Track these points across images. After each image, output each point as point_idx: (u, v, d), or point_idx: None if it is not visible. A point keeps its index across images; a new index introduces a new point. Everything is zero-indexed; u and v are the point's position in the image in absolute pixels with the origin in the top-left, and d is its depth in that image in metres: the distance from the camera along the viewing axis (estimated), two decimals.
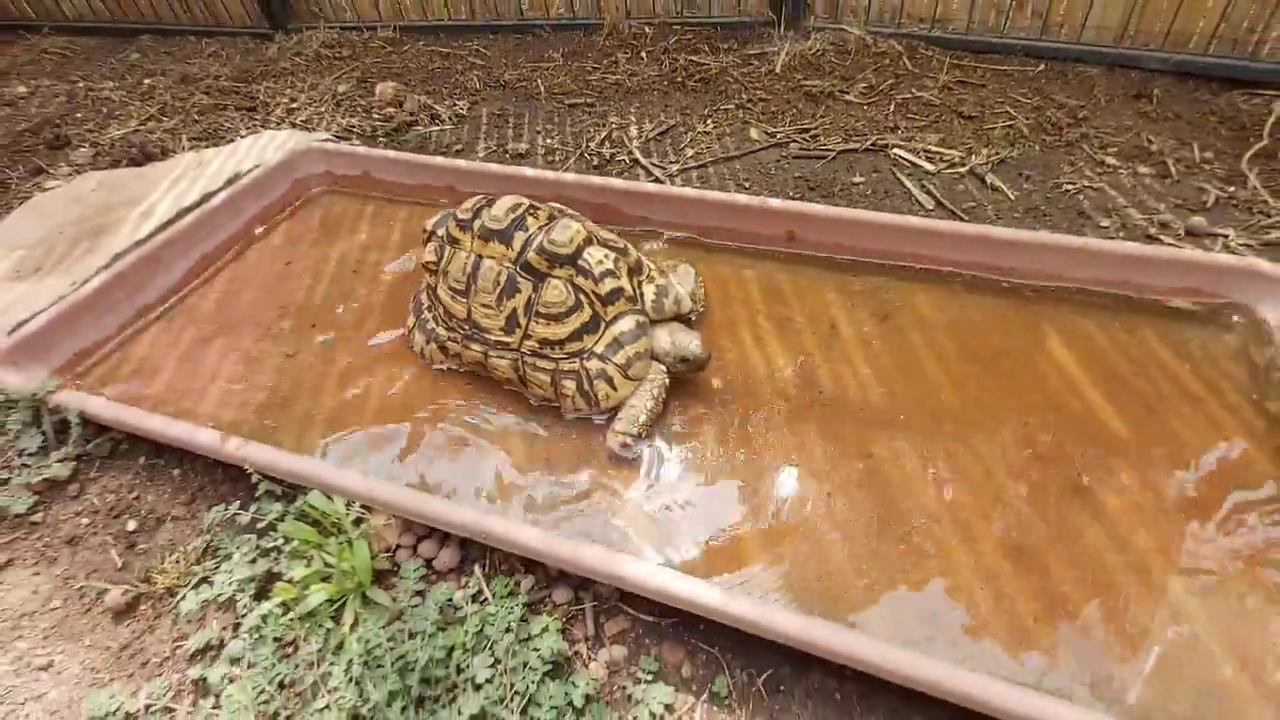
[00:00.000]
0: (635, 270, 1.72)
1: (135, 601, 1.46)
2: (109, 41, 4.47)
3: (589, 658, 1.30)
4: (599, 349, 1.62)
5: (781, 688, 1.24)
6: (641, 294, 1.71)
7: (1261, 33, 2.54)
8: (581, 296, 1.60)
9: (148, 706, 1.28)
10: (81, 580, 1.50)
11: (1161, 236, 2.03)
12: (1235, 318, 1.73)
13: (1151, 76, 2.72)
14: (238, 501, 1.56)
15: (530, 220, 1.64)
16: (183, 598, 1.40)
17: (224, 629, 1.37)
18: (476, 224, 1.67)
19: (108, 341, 2.02)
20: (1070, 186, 2.26)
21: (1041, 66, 2.87)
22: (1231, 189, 2.18)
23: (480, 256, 1.65)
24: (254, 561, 1.44)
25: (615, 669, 1.29)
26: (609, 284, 1.61)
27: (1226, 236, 2.00)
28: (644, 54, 3.40)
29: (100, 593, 1.47)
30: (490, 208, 1.66)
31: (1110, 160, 2.35)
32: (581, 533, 1.43)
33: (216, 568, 1.45)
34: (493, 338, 1.66)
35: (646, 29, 3.54)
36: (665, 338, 1.68)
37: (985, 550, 1.35)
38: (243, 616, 1.37)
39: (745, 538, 1.40)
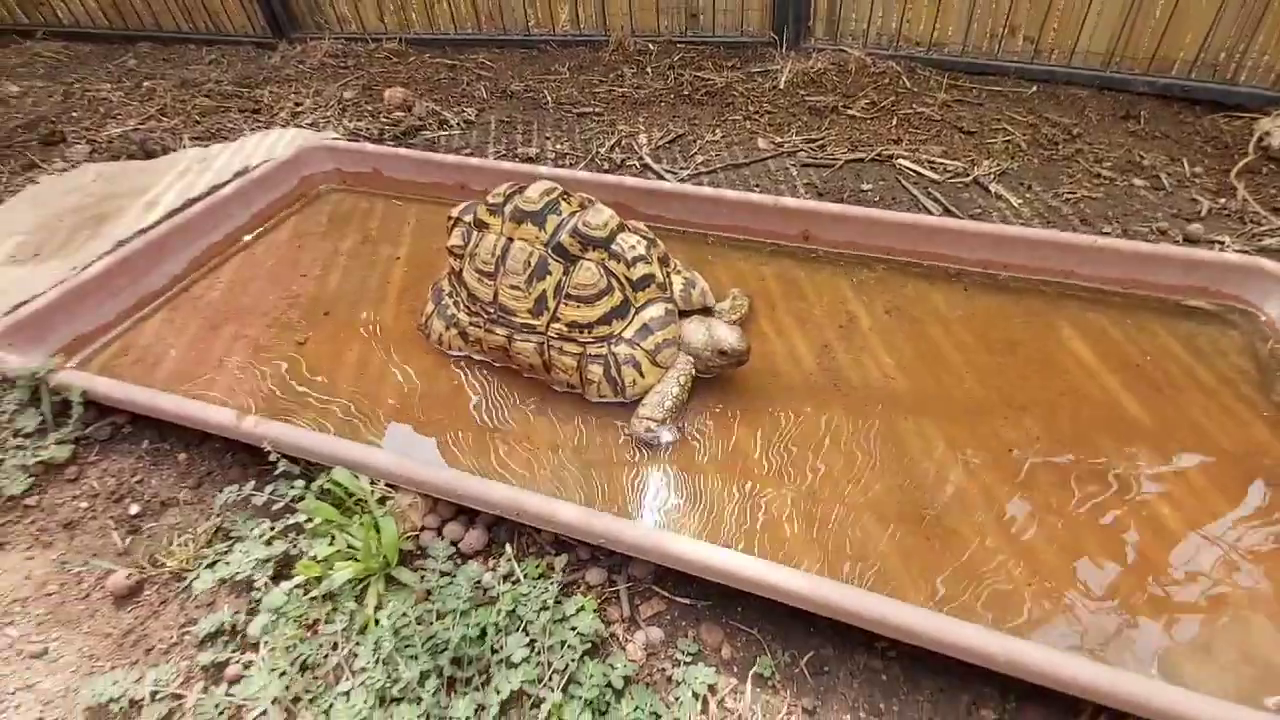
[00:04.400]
0: (663, 262, 1.72)
1: (139, 585, 1.38)
2: (105, 47, 4.44)
3: (625, 640, 1.26)
4: (628, 334, 1.61)
5: (825, 669, 1.21)
6: (670, 283, 1.71)
7: (1240, 59, 2.68)
8: (613, 280, 1.59)
9: (154, 693, 1.20)
10: (79, 565, 1.42)
11: (1162, 243, 2.10)
12: (1240, 315, 1.78)
13: (1138, 99, 2.85)
14: (251, 483, 1.49)
15: (564, 205, 1.64)
16: (197, 577, 1.33)
17: (236, 613, 1.30)
18: (508, 207, 1.66)
19: (109, 328, 1.96)
20: (1071, 195, 2.34)
21: (1034, 88, 3.00)
22: (1222, 200, 2.27)
23: (511, 239, 1.64)
24: (270, 543, 1.38)
25: (653, 651, 1.25)
26: (641, 269, 1.61)
27: (1223, 243, 2.07)
28: (649, 69, 3.48)
29: (102, 575, 1.39)
30: (523, 192, 1.66)
31: (1106, 173, 2.44)
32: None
33: (229, 550, 1.38)
34: (519, 320, 1.64)
35: (651, 46, 3.62)
36: (701, 331, 1.63)
37: (1024, 531, 1.34)
38: (258, 600, 1.30)
39: (779, 523, 1.39)
